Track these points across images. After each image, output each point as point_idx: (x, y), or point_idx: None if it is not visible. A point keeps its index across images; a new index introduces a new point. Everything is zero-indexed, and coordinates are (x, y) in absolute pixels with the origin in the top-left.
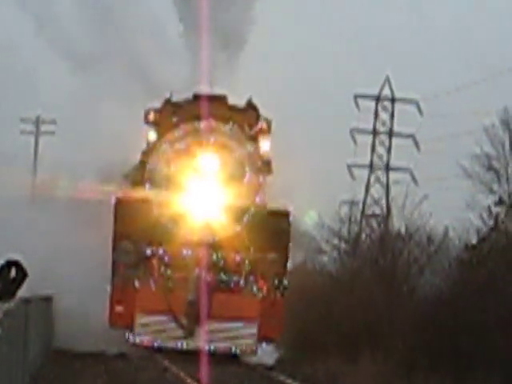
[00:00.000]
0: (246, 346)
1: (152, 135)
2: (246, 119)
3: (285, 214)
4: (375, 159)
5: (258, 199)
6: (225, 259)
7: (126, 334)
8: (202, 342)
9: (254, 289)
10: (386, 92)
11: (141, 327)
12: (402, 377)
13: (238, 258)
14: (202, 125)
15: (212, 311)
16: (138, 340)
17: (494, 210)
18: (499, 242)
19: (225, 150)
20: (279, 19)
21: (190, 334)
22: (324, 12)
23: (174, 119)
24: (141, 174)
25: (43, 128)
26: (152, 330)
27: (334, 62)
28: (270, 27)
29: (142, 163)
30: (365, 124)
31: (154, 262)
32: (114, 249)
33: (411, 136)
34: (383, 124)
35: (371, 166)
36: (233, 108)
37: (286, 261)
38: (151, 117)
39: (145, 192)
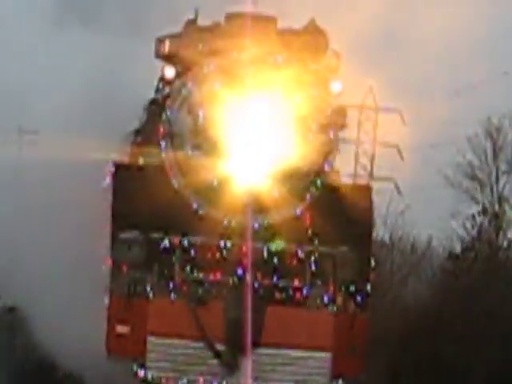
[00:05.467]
0: None
1: (169, 72)
2: (308, 48)
3: (365, 189)
4: (358, 169)
5: (326, 166)
6: (280, 255)
7: (134, 367)
8: (248, 378)
9: (325, 299)
10: (369, 102)
11: (155, 357)
12: None
13: (299, 254)
14: (243, 55)
15: (264, 334)
16: (151, 375)
17: (478, 219)
18: (483, 252)
19: (278, 91)
20: None
21: (230, 367)
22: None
23: (202, 48)
24: (152, 129)
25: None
26: (173, 360)
27: None
28: None
29: (155, 113)
30: (348, 133)
31: (175, 259)
32: (114, 240)
33: (394, 145)
34: (366, 133)
35: (355, 176)
36: (288, 32)
37: (368, 257)
38: (166, 47)
39: (159, 154)
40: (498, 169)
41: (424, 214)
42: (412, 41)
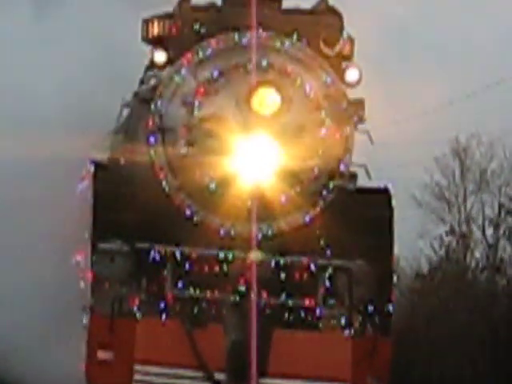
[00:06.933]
0: None
1: (159, 57)
2: (320, 30)
3: (383, 194)
4: None
5: (342, 166)
6: (289, 269)
7: None
8: None
9: (341, 321)
10: None
11: None
12: None
13: (311, 268)
14: (246, 38)
15: (271, 361)
16: None
17: (446, 239)
18: (450, 272)
19: (286, 80)
20: None
21: None
22: None
23: (198, 30)
24: (138, 124)
25: None
26: None
27: None
28: None
29: (141, 105)
30: None
31: (166, 273)
32: (94, 251)
33: (362, 165)
34: None
35: None
36: (295, 12)
37: (390, 272)
38: (155, 28)
39: (147, 152)
40: (465, 189)
41: None
42: (381, 59)
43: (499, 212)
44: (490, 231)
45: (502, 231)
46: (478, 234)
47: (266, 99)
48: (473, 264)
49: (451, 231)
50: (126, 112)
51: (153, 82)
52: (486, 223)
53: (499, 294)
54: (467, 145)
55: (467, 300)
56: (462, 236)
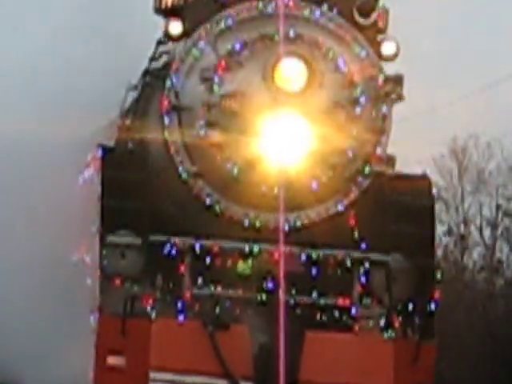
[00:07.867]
0: None
1: (174, 28)
2: None
3: (423, 182)
4: None
5: (378, 149)
6: (321, 263)
7: None
8: None
9: (380, 322)
10: None
11: None
12: None
13: (346, 261)
14: (271, 6)
15: (302, 367)
16: None
17: (444, 240)
18: (448, 272)
19: (317, 52)
20: None
21: None
22: None
23: None
24: (150, 104)
25: None
26: None
27: None
28: None
29: (153, 83)
30: None
31: (184, 268)
32: (103, 245)
33: None
34: None
35: None
36: None
37: (431, 268)
38: None
39: (161, 134)
40: (463, 189)
41: None
42: None
43: (497, 213)
44: (487, 232)
45: (499, 232)
46: (475, 234)
47: (291, 72)
48: (470, 265)
49: (449, 232)
50: (131, 96)
51: (166, 56)
52: (484, 224)
53: (497, 294)
54: (465, 145)
55: (465, 301)
56: (459, 237)
